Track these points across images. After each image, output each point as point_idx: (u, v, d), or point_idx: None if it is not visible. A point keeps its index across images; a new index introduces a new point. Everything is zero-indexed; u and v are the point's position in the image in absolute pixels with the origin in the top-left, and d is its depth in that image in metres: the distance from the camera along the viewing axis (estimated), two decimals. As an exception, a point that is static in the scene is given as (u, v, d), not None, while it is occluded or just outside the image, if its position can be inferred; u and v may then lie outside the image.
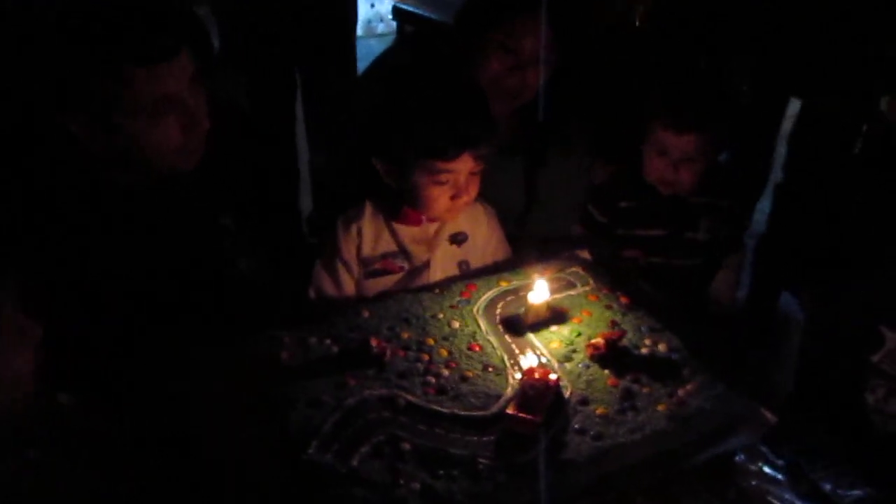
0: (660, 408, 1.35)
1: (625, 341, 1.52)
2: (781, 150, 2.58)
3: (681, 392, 1.38)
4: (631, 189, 1.92)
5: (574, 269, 1.74)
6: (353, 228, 1.71)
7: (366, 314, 1.58)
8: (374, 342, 1.45)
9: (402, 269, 1.73)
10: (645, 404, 1.36)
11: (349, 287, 1.71)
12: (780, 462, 1.37)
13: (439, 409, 1.34)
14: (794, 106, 2.51)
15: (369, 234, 1.71)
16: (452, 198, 1.64)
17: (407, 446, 1.26)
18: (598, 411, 1.35)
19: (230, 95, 2.12)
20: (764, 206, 2.65)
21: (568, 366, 1.47)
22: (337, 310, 1.59)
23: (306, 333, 1.51)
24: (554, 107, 1.88)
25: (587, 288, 1.69)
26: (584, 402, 1.37)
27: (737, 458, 1.37)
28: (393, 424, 1.30)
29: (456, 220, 1.76)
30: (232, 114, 1.65)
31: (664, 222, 1.92)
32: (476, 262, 1.79)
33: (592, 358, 1.48)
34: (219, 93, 1.53)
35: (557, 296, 1.64)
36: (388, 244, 1.73)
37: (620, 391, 1.39)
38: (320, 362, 1.44)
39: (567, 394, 1.38)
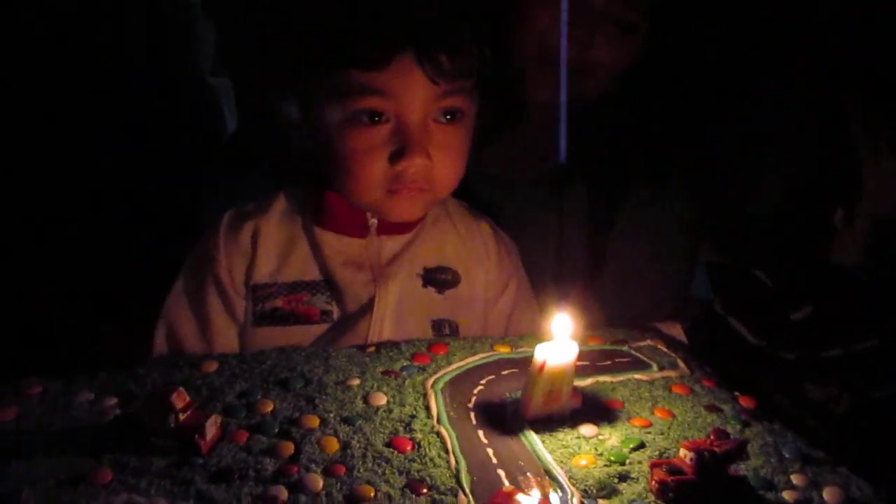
0: None
1: (742, 467, 0.69)
2: None
3: None
4: (813, 283, 1.10)
5: (648, 342, 0.92)
6: (247, 230, 0.95)
7: (211, 367, 0.80)
8: (177, 399, 0.67)
9: (323, 316, 0.94)
10: None
11: (225, 335, 0.93)
12: None
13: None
14: None
15: (272, 244, 0.94)
16: (394, 159, 0.88)
17: None
18: None
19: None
20: None
21: (606, 507, 0.64)
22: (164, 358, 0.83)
23: (73, 382, 0.76)
24: (633, 112, 1.13)
25: (671, 374, 0.86)
26: None
27: None
28: None
29: (436, 241, 0.99)
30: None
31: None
32: (471, 328, 0.99)
33: (663, 494, 0.65)
34: None
35: (604, 378, 0.83)
36: (303, 266, 0.96)
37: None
38: (63, 436, 0.70)
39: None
